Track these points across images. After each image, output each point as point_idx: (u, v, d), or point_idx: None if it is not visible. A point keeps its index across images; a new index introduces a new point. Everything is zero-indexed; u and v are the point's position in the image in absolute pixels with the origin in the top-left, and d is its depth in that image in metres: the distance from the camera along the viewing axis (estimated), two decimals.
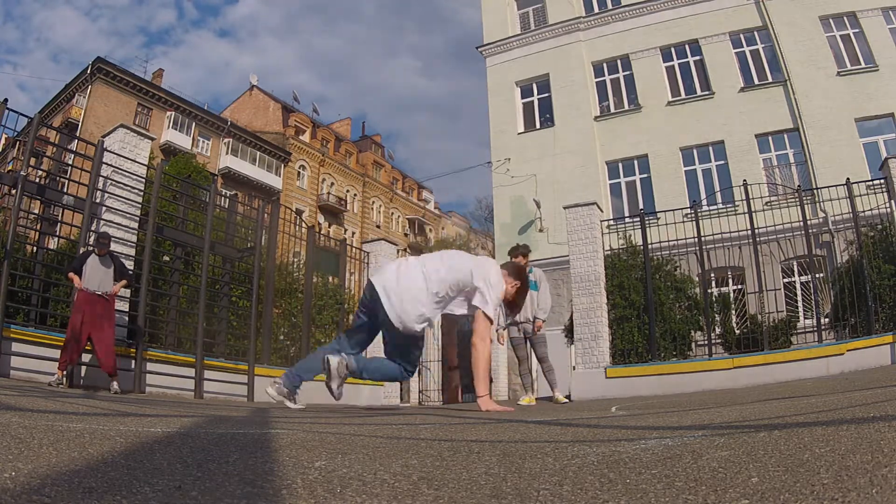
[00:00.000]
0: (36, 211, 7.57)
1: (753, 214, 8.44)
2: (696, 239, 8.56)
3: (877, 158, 12.04)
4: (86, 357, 5.77)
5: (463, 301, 3.84)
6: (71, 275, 5.62)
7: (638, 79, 17.45)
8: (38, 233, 7.24)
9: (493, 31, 19.87)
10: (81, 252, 5.89)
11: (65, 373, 5.45)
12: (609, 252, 8.98)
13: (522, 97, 19.10)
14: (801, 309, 11.06)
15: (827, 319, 8.60)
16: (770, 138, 15.63)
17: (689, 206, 10.38)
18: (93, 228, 6.29)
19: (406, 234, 47.72)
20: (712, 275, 9.78)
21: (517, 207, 17.59)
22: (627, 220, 11.57)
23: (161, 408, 3.32)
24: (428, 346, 12.35)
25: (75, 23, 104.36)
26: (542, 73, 18.65)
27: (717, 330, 8.70)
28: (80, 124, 27.83)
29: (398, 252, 11.43)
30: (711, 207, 12.02)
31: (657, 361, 8.05)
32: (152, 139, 7.55)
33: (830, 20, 15.54)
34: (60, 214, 6.82)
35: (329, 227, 38.23)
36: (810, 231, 8.63)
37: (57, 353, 5.51)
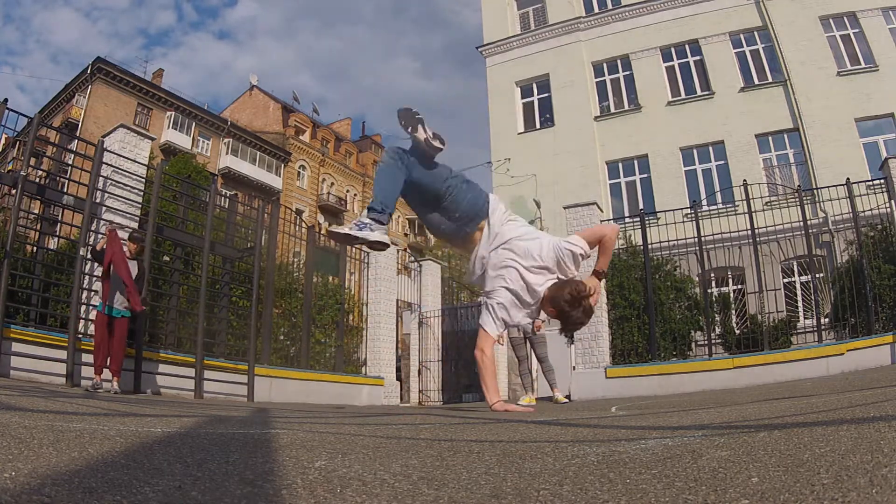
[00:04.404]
0: (36, 211, 7.57)
1: (753, 214, 8.43)
2: (696, 239, 8.56)
3: (877, 158, 12.05)
4: (87, 357, 5.76)
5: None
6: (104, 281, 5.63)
7: (638, 79, 17.46)
8: (38, 233, 7.23)
9: (493, 31, 19.88)
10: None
11: (101, 376, 5.49)
12: None
13: (522, 97, 19.11)
14: (801, 309, 11.07)
15: (827, 319, 8.60)
16: (770, 138, 15.64)
17: (689, 206, 10.38)
18: (93, 228, 6.29)
19: (406, 234, 47.71)
20: (712, 275, 9.78)
21: (517, 207, 17.59)
22: (627, 219, 11.57)
23: (161, 408, 3.32)
24: (428, 345, 12.35)
25: (75, 24, 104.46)
26: (542, 73, 18.65)
27: (717, 330, 8.70)
28: (80, 124, 27.83)
29: (398, 252, 11.42)
30: (711, 207, 12.03)
31: (657, 361, 8.05)
32: (152, 139, 7.55)
33: (830, 20, 15.54)
34: (60, 214, 6.82)
35: (329, 227, 38.20)
36: (810, 231, 8.62)
37: (56, 353, 5.52)
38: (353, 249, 10.37)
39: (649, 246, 8.66)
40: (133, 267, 5.81)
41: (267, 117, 40.69)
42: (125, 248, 5.81)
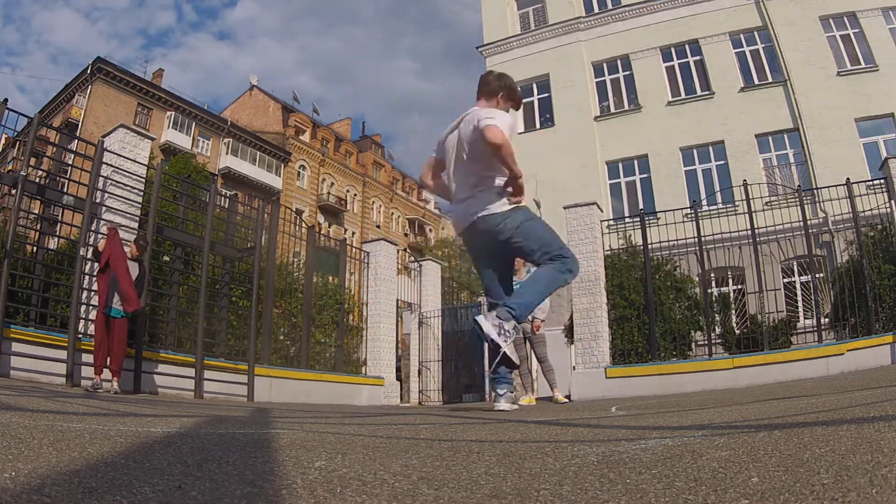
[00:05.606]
0: (36, 211, 7.57)
1: (753, 214, 8.43)
2: (696, 239, 8.56)
3: (877, 158, 12.04)
4: (87, 357, 5.77)
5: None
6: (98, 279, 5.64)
7: (638, 79, 17.45)
8: (38, 233, 7.23)
9: (493, 31, 19.88)
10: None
11: (101, 376, 5.50)
12: (609, 252, 8.97)
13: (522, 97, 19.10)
14: (801, 309, 11.06)
15: (827, 319, 8.60)
16: (770, 138, 15.64)
17: (689, 206, 10.37)
18: (93, 228, 6.29)
19: (406, 234, 47.70)
20: (712, 275, 9.77)
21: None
22: (627, 220, 11.56)
23: (161, 408, 3.32)
24: (428, 345, 12.35)
25: (75, 25, 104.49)
26: (542, 73, 18.65)
27: (717, 330, 8.70)
28: (80, 124, 27.83)
29: (398, 252, 11.42)
30: (711, 207, 12.03)
31: (657, 361, 8.04)
32: (152, 139, 7.55)
33: (830, 20, 15.54)
34: (60, 214, 6.82)
35: (329, 227, 38.23)
36: (810, 231, 8.62)
37: (56, 353, 5.51)
38: (354, 249, 10.37)
39: (649, 246, 8.66)
40: (133, 268, 5.82)
41: (267, 117, 40.70)
42: (126, 249, 5.81)
